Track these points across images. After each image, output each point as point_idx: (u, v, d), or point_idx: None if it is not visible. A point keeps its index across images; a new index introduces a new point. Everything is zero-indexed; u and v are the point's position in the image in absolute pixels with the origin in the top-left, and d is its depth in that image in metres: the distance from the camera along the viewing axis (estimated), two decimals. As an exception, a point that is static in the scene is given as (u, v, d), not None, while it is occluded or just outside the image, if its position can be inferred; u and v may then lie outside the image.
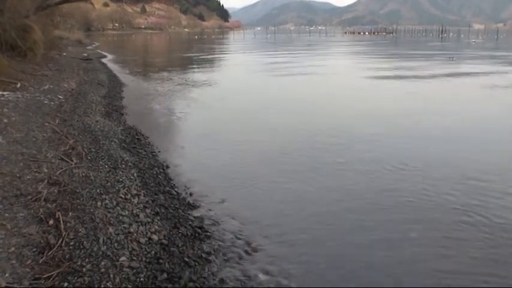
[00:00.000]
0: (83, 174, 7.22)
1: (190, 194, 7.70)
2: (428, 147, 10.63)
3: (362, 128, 12.64)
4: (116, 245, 5.16)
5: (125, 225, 5.71)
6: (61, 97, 14.19)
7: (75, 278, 4.38)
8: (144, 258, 5.12)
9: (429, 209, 7.18)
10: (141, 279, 4.74)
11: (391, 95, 19.12)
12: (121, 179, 7.43)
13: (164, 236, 5.80)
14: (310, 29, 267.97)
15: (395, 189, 7.97)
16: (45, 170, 7.06)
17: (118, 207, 6.20)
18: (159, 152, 10.25)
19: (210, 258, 5.52)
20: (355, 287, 5.11)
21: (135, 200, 6.70)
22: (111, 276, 4.55)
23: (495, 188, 7.93)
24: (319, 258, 5.68)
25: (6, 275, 4.16)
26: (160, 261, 5.19)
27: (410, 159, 9.56)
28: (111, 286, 4.40)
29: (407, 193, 7.77)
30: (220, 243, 6.00)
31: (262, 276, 5.27)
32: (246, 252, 5.80)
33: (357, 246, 6.01)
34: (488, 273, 5.35)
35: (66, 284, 4.26)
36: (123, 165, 8.26)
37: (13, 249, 4.60)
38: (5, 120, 9.62)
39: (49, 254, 4.67)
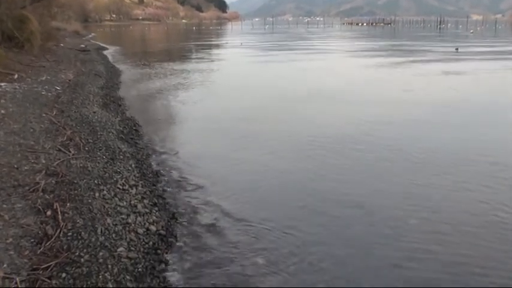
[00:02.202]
0: (81, 165, 7.21)
1: (188, 184, 7.69)
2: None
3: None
4: (113, 235, 5.17)
5: (123, 216, 5.71)
6: (58, 88, 14.15)
7: (73, 268, 4.38)
8: (142, 249, 5.14)
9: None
10: (139, 269, 4.75)
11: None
12: (119, 170, 7.43)
13: (162, 226, 5.81)
14: (308, 19, 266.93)
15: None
16: (43, 161, 7.05)
17: (116, 198, 6.20)
18: (158, 142, 10.25)
19: (207, 248, 5.53)
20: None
21: (133, 191, 6.70)
22: (109, 266, 4.56)
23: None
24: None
25: (4, 265, 4.16)
26: (158, 251, 5.20)
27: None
28: (109, 276, 4.40)
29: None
30: (217, 232, 6.00)
31: (261, 261, 5.28)
32: (242, 241, 5.81)
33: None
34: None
35: (64, 275, 4.26)
36: (121, 156, 8.25)
37: (11, 239, 4.61)
38: (3, 111, 9.59)
39: (47, 244, 4.68)
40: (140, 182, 7.22)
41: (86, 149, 8.27)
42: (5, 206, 5.27)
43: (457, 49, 37.68)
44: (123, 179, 7.03)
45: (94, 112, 11.72)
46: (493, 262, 5.36)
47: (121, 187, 6.69)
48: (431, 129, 11.32)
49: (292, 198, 7.25)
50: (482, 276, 5.11)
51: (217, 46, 50.56)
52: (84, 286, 4.18)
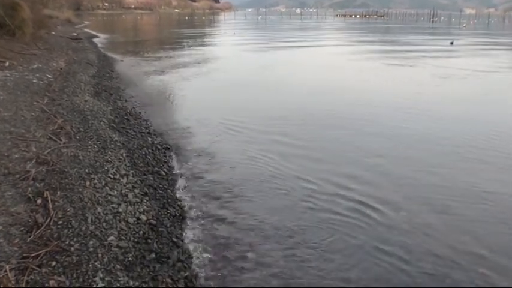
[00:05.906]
0: (72, 153, 7.18)
1: (180, 175, 7.70)
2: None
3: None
4: (104, 224, 5.17)
5: (114, 205, 5.70)
6: (50, 76, 14.04)
7: (63, 257, 4.38)
8: (132, 238, 5.14)
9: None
10: (130, 258, 4.76)
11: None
12: (110, 159, 7.40)
13: (153, 216, 5.82)
14: (301, 11, 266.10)
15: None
16: (34, 149, 7.02)
17: (107, 187, 6.19)
18: (148, 132, 10.22)
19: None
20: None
21: (124, 180, 6.69)
22: (100, 255, 4.56)
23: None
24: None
25: (-6, 253, 4.16)
26: (149, 241, 5.21)
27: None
28: (99, 265, 4.40)
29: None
30: (210, 224, 6.02)
31: (250, 255, 5.31)
32: (234, 233, 5.84)
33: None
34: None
35: (54, 263, 4.26)
36: (112, 145, 8.22)
37: (1, 228, 4.59)
38: (-7, 99, 9.53)
39: (37, 233, 4.66)
40: (131, 171, 7.21)
41: (77, 137, 8.23)
42: (-5, 194, 5.25)
43: (452, 43, 37.92)
44: (114, 168, 7.01)
45: (85, 101, 11.66)
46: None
47: (112, 176, 6.68)
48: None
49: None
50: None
51: (211, 36, 50.34)
52: (74, 275, 4.18)
